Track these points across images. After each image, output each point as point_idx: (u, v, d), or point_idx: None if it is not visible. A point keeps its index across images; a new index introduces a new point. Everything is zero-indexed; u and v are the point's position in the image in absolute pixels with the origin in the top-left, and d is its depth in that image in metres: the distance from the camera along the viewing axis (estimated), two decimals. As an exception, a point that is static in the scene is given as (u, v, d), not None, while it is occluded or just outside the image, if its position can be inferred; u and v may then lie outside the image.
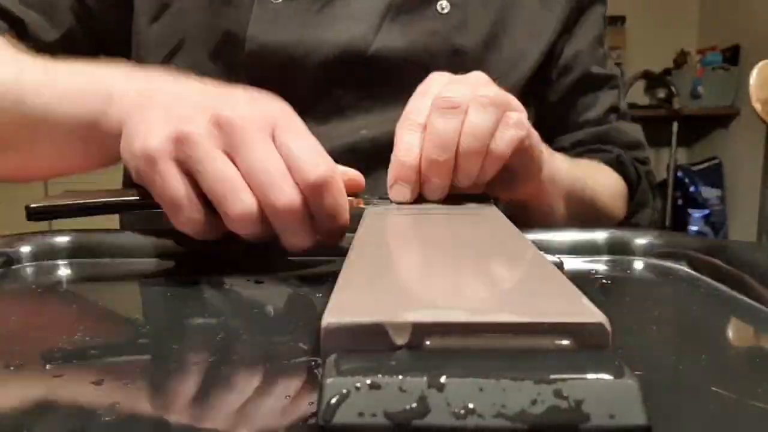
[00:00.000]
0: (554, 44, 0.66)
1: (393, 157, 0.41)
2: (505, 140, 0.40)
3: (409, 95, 0.56)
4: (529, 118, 0.65)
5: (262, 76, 0.57)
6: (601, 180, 0.65)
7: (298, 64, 0.58)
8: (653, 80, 3.17)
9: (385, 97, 0.57)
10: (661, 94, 3.15)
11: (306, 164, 0.34)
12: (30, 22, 0.59)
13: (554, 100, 0.70)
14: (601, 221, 0.64)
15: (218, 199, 0.34)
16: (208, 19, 0.59)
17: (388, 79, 0.59)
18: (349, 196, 0.37)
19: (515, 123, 0.41)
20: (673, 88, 3.05)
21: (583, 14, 0.69)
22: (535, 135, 0.45)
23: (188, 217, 0.35)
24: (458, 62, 0.60)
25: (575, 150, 0.70)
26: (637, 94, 3.24)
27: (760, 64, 1.16)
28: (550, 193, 0.53)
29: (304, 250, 0.36)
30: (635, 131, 0.73)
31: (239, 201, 0.34)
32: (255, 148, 0.34)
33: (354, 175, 0.40)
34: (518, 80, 0.63)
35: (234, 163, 0.34)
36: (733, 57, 3.02)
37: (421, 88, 0.44)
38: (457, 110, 0.39)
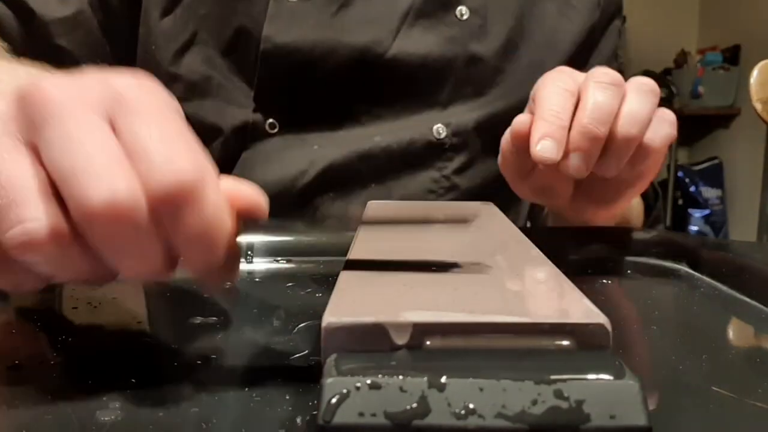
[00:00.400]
0: (576, 56, 0.65)
1: (539, 114, 0.37)
2: (661, 135, 0.38)
3: (424, 102, 0.53)
4: None
5: (274, 76, 0.56)
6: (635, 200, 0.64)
7: (314, 67, 0.56)
8: (653, 80, 3.16)
9: (399, 104, 0.57)
10: (662, 93, 3.14)
11: (157, 161, 0.21)
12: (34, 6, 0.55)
13: None
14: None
15: None
16: (221, 14, 0.57)
17: (404, 86, 0.58)
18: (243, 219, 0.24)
19: (671, 121, 0.39)
20: (673, 88, 3.05)
21: (608, 26, 0.68)
22: None
23: None
24: (475, 70, 0.59)
25: None
26: (638, 94, 3.23)
27: (761, 63, 1.16)
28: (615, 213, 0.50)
29: (309, 245, 0.32)
30: None
31: (21, 218, 0.20)
32: (70, 128, 0.21)
33: (252, 196, 0.24)
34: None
35: (37, 156, 0.21)
36: (733, 57, 3.01)
37: (548, 75, 0.41)
38: (618, 88, 0.37)
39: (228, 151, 0.56)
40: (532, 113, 0.39)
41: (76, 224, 0.21)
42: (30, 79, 0.23)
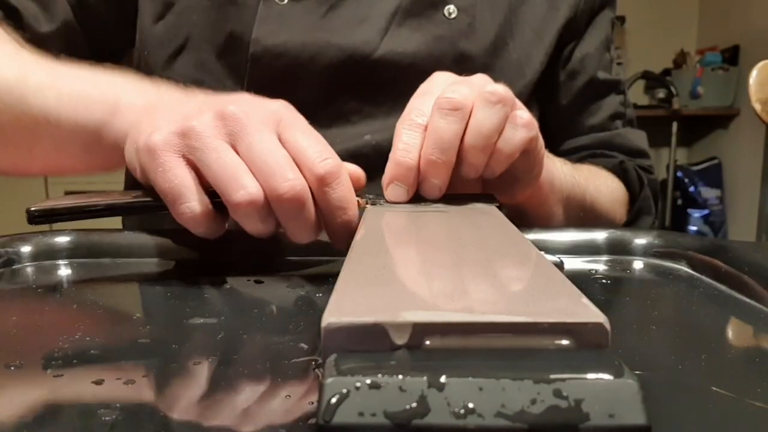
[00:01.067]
0: (560, 46, 0.66)
1: (391, 156, 0.40)
2: (514, 140, 0.40)
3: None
4: None
5: (265, 78, 0.57)
6: (602, 186, 0.64)
7: (303, 68, 0.57)
8: (653, 80, 3.17)
9: (388, 103, 0.57)
10: (661, 94, 3.15)
11: (313, 156, 0.35)
12: (25, 12, 0.58)
13: (560, 105, 0.69)
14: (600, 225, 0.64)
15: (222, 187, 0.34)
16: (212, 19, 0.58)
17: (393, 85, 0.58)
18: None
19: (525, 123, 0.40)
20: (672, 89, 3.05)
21: (594, 18, 0.68)
22: (541, 138, 0.45)
23: (188, 206, 0.34)
24: (464, 68, 0.59)
25: (578, 154, 0.69)
26: (637, 94, 3.24)
27: (760, 64, 1.16)
28: (549, 197, 0.53)
29: (309, 244, 0.36)
30: (640, 139, 0.73)
31: (242, 187, 0.33)
32: (259, 138, 0.34)
33: (357, 170, 0.40)
34: (526, 84, 0.63)
35: (238, 153, 0.34)
36: (732, 57, 3.02)
37: (423, 88, 0.43)
38: (460, 112, 0.39)
39: None
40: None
41: (269, 200, 0.34)
42: (215, 101, 0.37)
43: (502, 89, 0.40)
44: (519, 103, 0.42)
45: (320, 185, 0.35)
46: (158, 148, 0.34)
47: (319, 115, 0.56)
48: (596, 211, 0.62)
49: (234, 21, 0.57)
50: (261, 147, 0.34)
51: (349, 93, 0.59)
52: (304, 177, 0.34)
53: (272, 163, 0.34)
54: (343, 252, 0.27)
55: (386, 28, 0.59)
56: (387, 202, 0.40)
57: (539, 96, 0.68)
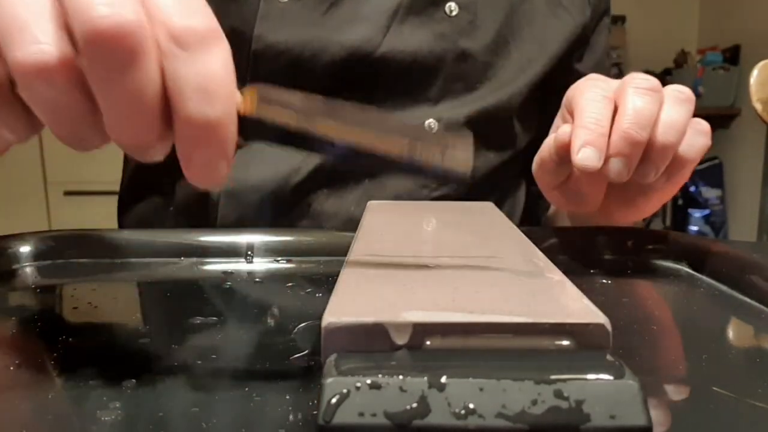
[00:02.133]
0: (568, 54, 0.65)
1: (579, 123, 0.38)
2: (697, 146, 0.38)
3: (415, 98, 0.54)
4: (531, 129, 0.63)
5: (267, 75, 0.57)
6: None
7: (305, 66, 0.57)
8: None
9: (390, 100, 0.57)
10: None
11: (171, 10, 0.22)
12: None
13: None
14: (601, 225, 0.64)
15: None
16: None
17: (395, 82, 0.58)
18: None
19: (706, 132, 0.39)
20: (673, 88, 3.04)
21: (598, 24, 0.68)
22: None
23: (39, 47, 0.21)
24: (465, 65, 0.60)
25: None
26: (637, 94, 3.23)
27: (761, 63, 1.16)
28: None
29: (310, 244, 0.34)
30: None
31: (34, 41, 0.21)
32: None
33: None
34: (525, 86, 0.63)
35: None
36: (733, 57, 3.01)
37: (585, 81, 0.41)
38: (657, 94, 0.37)
39: None
40: (566, 121, 0.40)
41: (82, 52, 0.20)
42: None
43: (688, 90, 0.39)
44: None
45: (170, 41, 0.21)
46: None
47: None
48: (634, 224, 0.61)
49: (234, 17, 0.57)
50: None
51: (351, 90, 0.58)
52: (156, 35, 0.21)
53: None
54: (343, 252, 0.27)
55: (388, 25, 0.58)
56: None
57: (549, 99, 0.67)
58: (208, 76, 0.22)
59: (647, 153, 0.37)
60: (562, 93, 0.70)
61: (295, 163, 0.56)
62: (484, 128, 0.59)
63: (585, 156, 0.36)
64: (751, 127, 2.81)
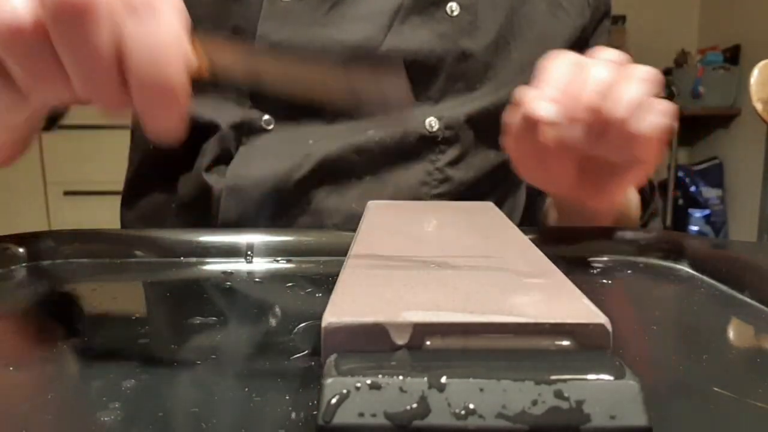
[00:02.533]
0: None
1: (544, 81, 0.40)
2: (651, 122, 0.39)
3: (416, 97, 0.55)
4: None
5: None
6: (632, 196, 0.65)
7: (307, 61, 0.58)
8: (654, 79, 3.16)
9: None
10: (662, 93, 3.15)
11: None
12: None
13: None
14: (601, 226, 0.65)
15: None
16: (216, 15, 0.58)
17: None
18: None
19: (665, 111, 0.40)
20: (673, 88, 3.05)
21: (598, 26, 0.69)
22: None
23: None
24: (465, 65, 0.60)
25: None
26: (638, 93, 3.23)
27: (761, 63, 1.16)
28: (598, 214, 0.52)
29: (310, 243, 0.36)
30: None
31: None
32: None
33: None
34: (524, 86, 0.63)
35: None
36: (733, 57, 3.01)
37: (555, 53, 0.44)
38: (621, 68, 0.39)
39: (225, 146, 0.58)
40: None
41: (46, 16, 0.24)
42: None
43: (653, 71, 0.41)
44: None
45: (125, 10, 0.24)
46: None
47: (323, 110, 0.58)
48: (629, 217, 0.62)
49: (237, 16, 0.58)
50: None
51: None
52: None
53: None
54: (343, 252, 0.27)
55: (389, 25, 0.59)
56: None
57: None
58: (157, 38, 0.24)
59: (595, 121, 0.38)
60: None
61: (297, 160, 0.56)
62: (485, 127, 0.59)
63: (538, 107, 0.38)
64: (752, 127, 2.81)
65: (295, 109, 0.59)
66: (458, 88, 0.61)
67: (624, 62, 0.40)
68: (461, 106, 0.60)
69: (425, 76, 0.59)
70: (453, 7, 0.60)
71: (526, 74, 0.64)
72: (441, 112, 0.57)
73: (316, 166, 0.56)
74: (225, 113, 0.58)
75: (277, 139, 0.58)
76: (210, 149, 0.58)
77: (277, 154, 0.57)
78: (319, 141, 0.58)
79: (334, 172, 0.55)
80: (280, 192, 0.54)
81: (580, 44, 0.66)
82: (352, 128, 0.59)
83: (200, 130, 0.58)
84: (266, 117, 0.59)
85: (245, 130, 0.58)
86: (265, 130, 0.58)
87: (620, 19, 3.20)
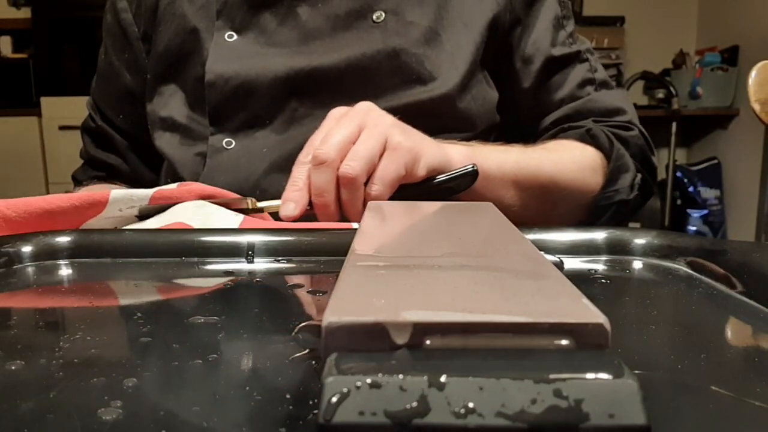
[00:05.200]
0: (498, 36, 0.71)
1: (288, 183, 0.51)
2: (378, 189, 0.50)
3: (356, 98, 0.62)
4: (489, 110, 0.73)
5: (221, 99, 0.67)
6: (564, 158, 0.67)
7: (252, 85, 0.66)
8: (652, 81, 3.17)
9: (334, 103, 0.65)
10: (660, 94, 3.15)
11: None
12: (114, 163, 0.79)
13: (524, 89, 0.73)
14: (575, 198, 0.67)
15: None
16: (177, 69, 0.72)
17: (334, 87, 0.66)
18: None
19: (381, 176, 0.50)
20: (672, 89, 3.05)
21: (536, 2, 0.72)
22: (430, 152, 0.53)
23: None
24: (398, 61, 0.66)
25: (553, 130, 0.73)
26: (636, 94, 3.24)
27: (759, 64, 1.16)
28: (490, 186, 0.59)
29: (311, 243, 0.41)
30: (614, 98, 0.75)
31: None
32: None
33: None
34: (462, 75, 0.68)
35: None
36: (731, 58, 3.02)
37: (318, 131, 0.54)
38: (326, 165, 0.49)
39: (196, 166, 0.70)
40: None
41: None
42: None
43: (370, 143, 0.51)
44: (395, 137, 0.52)
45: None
46: None
47: (274, 122, 0.68)
48: (560, 185, 0.66)
49: (196, 67, 0.70)
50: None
51: (297, 100, 0.67)
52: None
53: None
54: (343, 252, 0.27)
55: (320, 45, 0.67)
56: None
57: (501, 86, 0.73)
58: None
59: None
60: (515, 75, 0.75)
61: (254, 168, 0.66)
62: (428, 114, 0.65)
63: (286, 209, 0.50)
64: (750, 127, 2.81)
65: (249, 128, 0.69)
66: (395, 82, 0.66)
67: (322, 157, 0.50)
68: (398, 99, 0.65)
69: (361, 77, 0.66)
70: (377, 15, 0.66)
71: (458, 66, 0.68)
72: (382, 106, 0.59)
73: (269, 167, 0.65)
74: (194, 147, 0.70)
75: (237, 155, 0.68)
76: (184, 168, 0.70)
77: (237, 168, 0.67)
78: (272, 149, 0.66)
79: (287, 167, 0.58)
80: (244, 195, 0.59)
81: (511, 24, 0.71)
82: (302, 133, 0.65)
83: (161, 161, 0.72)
84: (227, 139, 0.68)
85: (209, 153, 0.68)
86: (227, 149, 0.68)
87: (619, 20, 3.20)
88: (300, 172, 0.51)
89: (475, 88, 0.70)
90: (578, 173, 0.67)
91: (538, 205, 0.65)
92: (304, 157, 0.51)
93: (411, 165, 0.51)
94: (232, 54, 0.67)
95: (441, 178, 0.54)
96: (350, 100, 0.56)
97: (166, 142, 0.71)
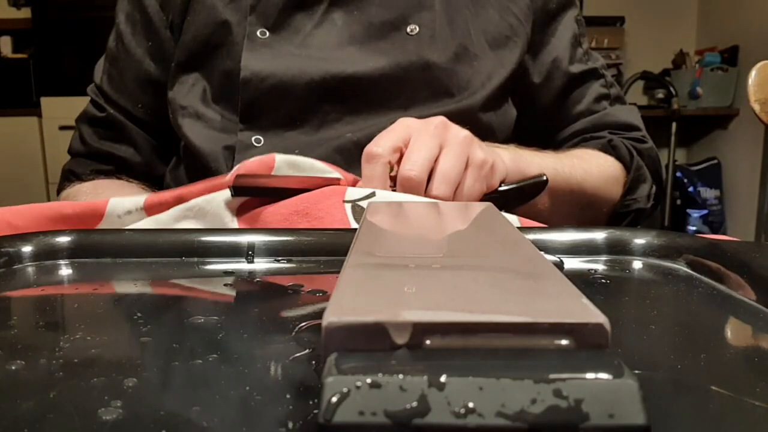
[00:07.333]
0: (524, 55, 0.74)
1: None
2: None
3: (387, 106, 0.65)
4: (507, 122, 0.77)
5: (255, 98, 0.67)
6: (592, 167, 0.70)
7: (288, 86, 0.67)
8: (652, 81, 3.17)
9: (366, 109, 0.66)
10: (660, 94, 3.15)
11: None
12: (120, 152, 0.78)
13: (544, 104, 0.77)
14: (599, 205, 0.69)
15: None
16: (205, 62, 0.71)
17: (367, 94, 0.67)
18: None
19: (468, 195, 0.52)
20: (671, 89, 3.05)
21: (553, 22, 0.75)
22: (503, 164, 0.56)
23: None
24: (430, 74, 0.68)
25: (574, 140, 0.76)
26: (636, 94, 3.24)
27: (759, 64, 1.16)
28: None
29: (311, 243, 0.41)
30: (629, 114, 0.79)
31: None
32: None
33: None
34: (491, 90, 0.71)
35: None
36: (731, 58, 3.02)
37: (388, 134, 0.54)
38: (416, 185, 0.50)
39: (225, 164, 0.69)
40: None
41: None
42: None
43: (453, 160, 0.52)
44: (476, 151, 0.54)
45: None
46: None
47: (306, 124, 0.68)
48: (587, 192, 0.69)
49: (225, 60, 0.69)
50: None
51: (330, 104, 0.68)
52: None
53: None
54: (343, 251, 0.27)
55: (356, 51, 0.68)
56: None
57: (521, 101, 0.76)
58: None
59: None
60: (534, 91, 0.78)
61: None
62: (452, 121, 0.66)
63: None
64: (750, 127, 2.81)
65: (280, 128, 0.69)
66: (425, 95, 0.68)
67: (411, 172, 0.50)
68: (428, 111, 0.66)
69: (393, 87, 0.68)
70: (412, 27, 0.68)
71: (486, 84, 0.70)
72: (410, 116, 0.62)
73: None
74: (220, 139, 0.69)
75: (264, 153, 0.67)
76: (209, 167, 0.69)
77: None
78: (303, 150, 0.65)
79: None
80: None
81: (529, 45, 0.74)
82: (333, 135, 0.67)
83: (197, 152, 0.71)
84: (256, 137, 0.68)
85: (238, 149, 0.68)
86: (255, 147, 0.67)
87: (619, 20, 3.20)
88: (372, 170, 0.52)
89: (500, 107, 0.73)
90: (603, 181, 0.71)
91: (567, 211, 0.67)
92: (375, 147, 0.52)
93: (490, 178, 0.54)
94: (267, 52, 0.67)
95: (510, 186, 0.57)
96: (381, 107, 0.58)
97: (191, 131, 0.71)
